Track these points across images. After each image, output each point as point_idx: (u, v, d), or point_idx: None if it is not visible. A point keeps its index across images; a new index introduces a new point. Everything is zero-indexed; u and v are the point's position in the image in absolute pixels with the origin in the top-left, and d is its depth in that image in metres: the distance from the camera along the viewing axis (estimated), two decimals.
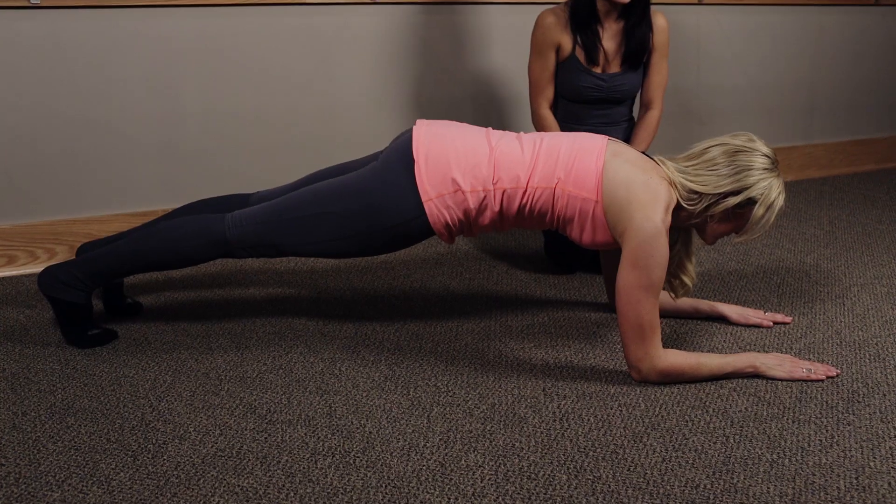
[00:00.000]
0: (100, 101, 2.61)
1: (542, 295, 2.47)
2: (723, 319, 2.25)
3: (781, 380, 1.92)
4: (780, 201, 1.92)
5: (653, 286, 1.83)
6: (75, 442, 1.66)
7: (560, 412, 1.79)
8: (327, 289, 2.49)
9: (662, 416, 1.77)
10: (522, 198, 1.94)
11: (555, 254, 2.65)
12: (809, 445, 1.67)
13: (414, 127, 2.00)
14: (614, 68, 2.58)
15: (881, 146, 4.27)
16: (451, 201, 1.93)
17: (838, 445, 1.67)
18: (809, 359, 2.04)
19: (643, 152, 2.46)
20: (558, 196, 1.93)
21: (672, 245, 2.01)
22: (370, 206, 1.94)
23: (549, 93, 2.60)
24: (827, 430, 1.73)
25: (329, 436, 1.69)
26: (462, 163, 1.93)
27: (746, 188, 1.89)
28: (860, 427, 1.74)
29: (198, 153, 2.78)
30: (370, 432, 1.71)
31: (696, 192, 1.92)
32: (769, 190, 1.90)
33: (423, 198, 1.92)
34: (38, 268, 2.58)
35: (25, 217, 2.60)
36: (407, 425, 1.74)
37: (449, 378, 1.94)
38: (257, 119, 2.84)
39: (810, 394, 1.87)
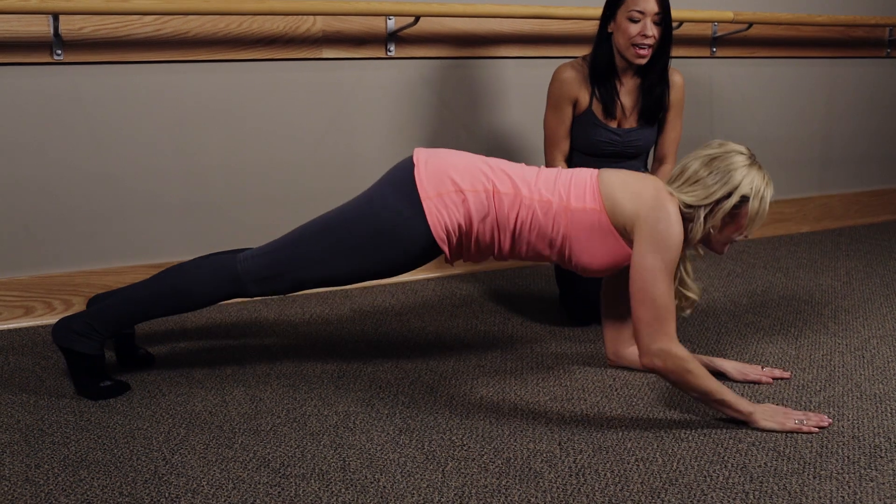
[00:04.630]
0: (119, 154, 2.64)
1: (557, 347, 2.45)
2: (722, 376, 2.20)
3: (772, 431, 1.91)
4: (770, 189, 1.99)
5: (669, 268, 1.91)
6: (88, 495, 1.65)
7: (576, 467, 1.77)
8: (342, 341, 2.49)
9: (680, 472, 1.75)
10: (520, 209, 1.98)
11: (570, 305, 2.64)
12: (831, 502, 1.64)
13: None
14: (630, 123, 2.60)
15: None
16: (450, 201, 1.95)
17: (861, 502, 1.64)
18: (829, 412, 2.02)
19: None
20: (558, 213, 1.98)
21: None
22: (370, 213, 1.98)
23: (564, 146, 2.62)
24: (849, 486, 1.69)
25: (343, 490, 1.68)
26: (461, 169, 1.99)
27: (736, 187, 1.96)
28: (883, 483, 1.71)
29: (215, 206, 2.80)
30: (384, 487, 1.69)
31: (691, 206, 1.99)
32: (755, 181, 1.97)
33: (422, 195, 1.95)
34: (54, 318, 2.59)
35: (43, 268, 2.62)
36: (421, 480, 1.72)
37: (464, 432, 1.92)
38: (275, 172, 2.87)
39: (831, 448, 1.84)
